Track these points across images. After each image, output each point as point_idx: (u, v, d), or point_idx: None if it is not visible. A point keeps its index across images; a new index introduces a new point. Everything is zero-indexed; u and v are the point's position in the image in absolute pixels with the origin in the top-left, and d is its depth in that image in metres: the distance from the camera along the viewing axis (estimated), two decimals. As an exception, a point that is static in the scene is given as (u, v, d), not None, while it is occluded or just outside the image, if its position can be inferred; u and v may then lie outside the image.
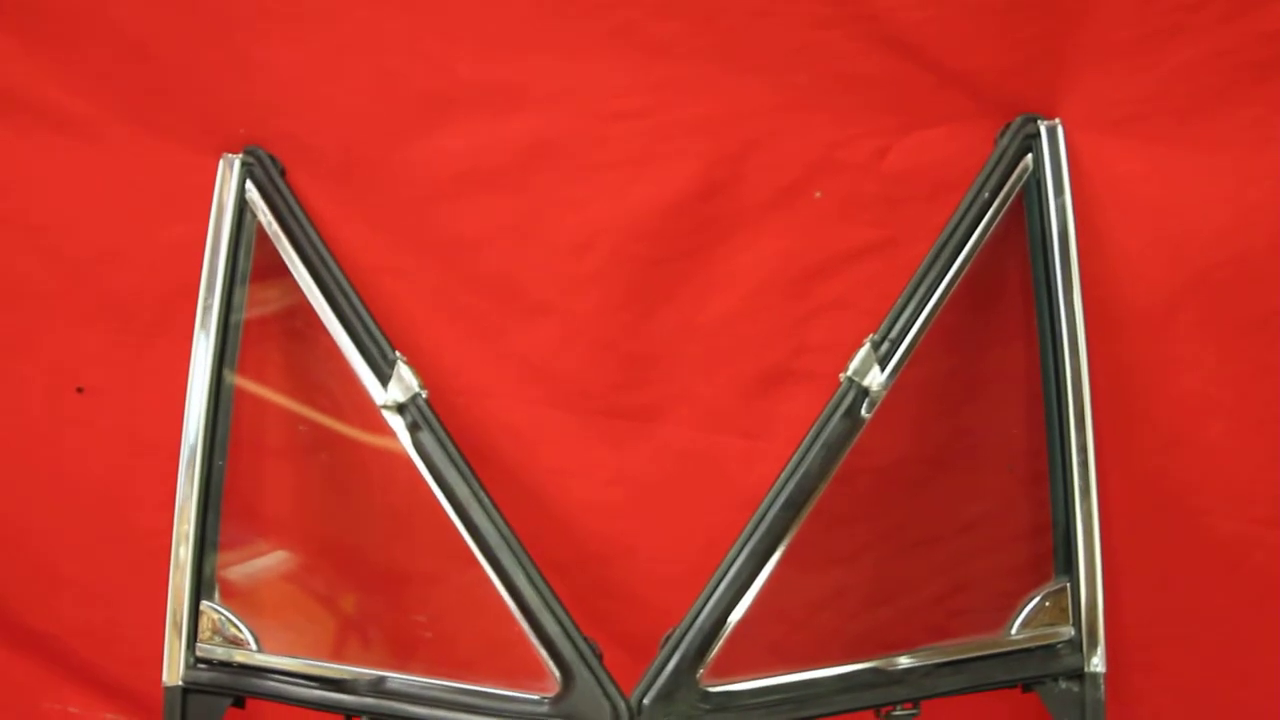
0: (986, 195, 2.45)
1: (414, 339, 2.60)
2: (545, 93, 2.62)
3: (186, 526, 2.47)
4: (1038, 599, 2.44)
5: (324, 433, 2.58)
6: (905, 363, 2.43)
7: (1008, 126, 2.50)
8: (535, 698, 2.42)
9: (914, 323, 2.43)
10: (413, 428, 2.44)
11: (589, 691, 2.38)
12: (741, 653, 2.40)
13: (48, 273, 2.69)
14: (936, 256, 2.44)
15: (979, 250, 2.46)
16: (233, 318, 2.53)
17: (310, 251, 2.52)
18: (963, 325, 2.49)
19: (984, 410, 2.52)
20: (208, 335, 2.50)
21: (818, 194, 2.57)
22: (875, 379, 2.39)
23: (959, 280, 2.44)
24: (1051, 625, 2.43)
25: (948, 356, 2.50)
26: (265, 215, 2.54)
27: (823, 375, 2.52)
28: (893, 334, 2.41)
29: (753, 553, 2.39)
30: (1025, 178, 2.47)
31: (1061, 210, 2.45)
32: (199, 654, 2.47)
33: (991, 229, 2.47)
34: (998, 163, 2.47)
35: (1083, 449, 2.42)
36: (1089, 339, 2.45)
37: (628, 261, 2.63)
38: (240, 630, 2.45)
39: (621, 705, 2.35)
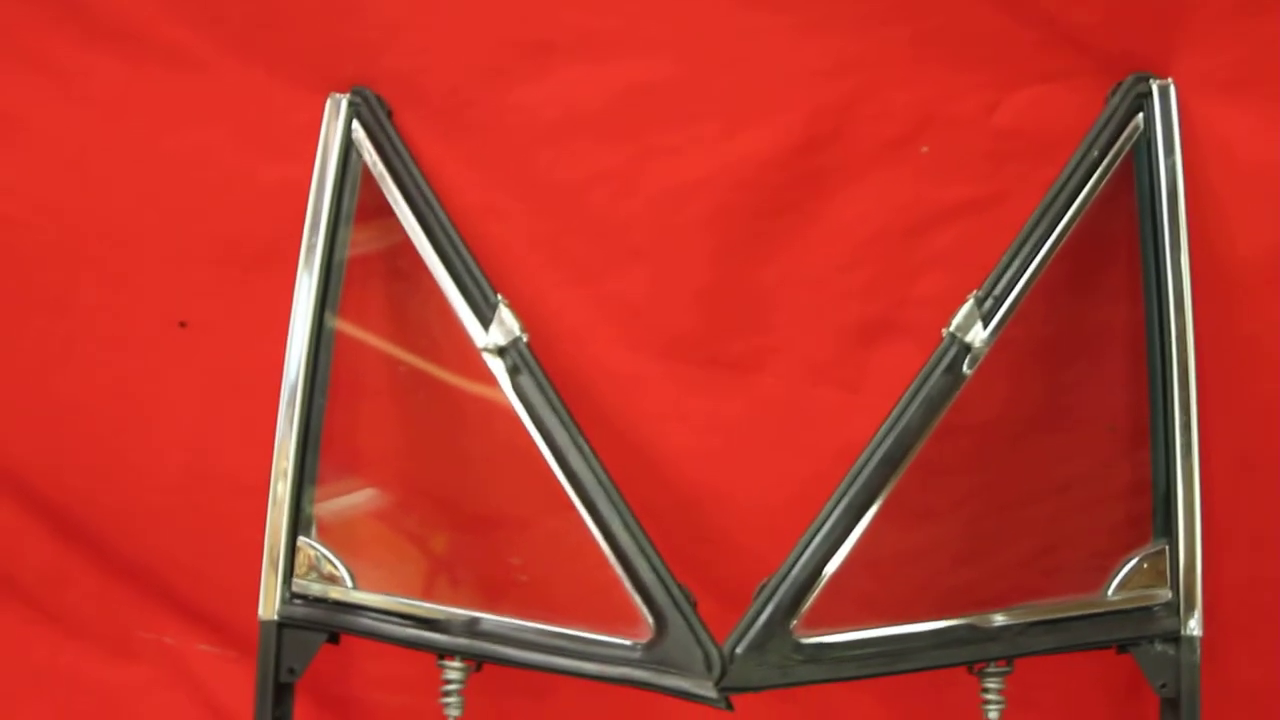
0: (1095, 154, 2.43)
1: (515, 282, 2.59)
2: (649, 40, 2.61)
3: (285, 463, 2.48)
4: (1135, 560, 2.43)
5: (423, 374, 2.58)
6: (1008, 320, 2.41)
7: (1119, 85, 2.48)
8: (628, 643, 2.42)
9: (1018, 280, 2.41)
10: (513, 371, 2.44)
11: (682, 639, 2.37)
12: (836, 605, 2.40)
13: (152, 207, 2.70)
14: (1043, 214, 2.42)
15: (1086, 209, 2.44)
16: (336, 257, 2.53)
17: (414, 192, 2.52)
18: (1067, 284, 2.47)
19: (1086, 369, 2.50)
20: (310, 274, 2.50)
21: (924, 149, 2.56)
22: (978, 335, 2.37)
23: (1065, 238, 2.43)
24: (1149, 587, 2.42)
25: (1051, 314, 2.48)
26: (370, 155, 2.54)
27: (924, 331, 2.50)
28: (996, 290, 2.40)
29: (849, 505, 2.38)
30: (1135, 137, 2.45)
31: (1171, 170, 2.43)
32: (295, 589, 2.49)
33: (1100, 188, 2.44)
34: (1108, 121, 2.45)
35: (1186, 410, 2.40)
36: (1195, 300, 2.40)
37: (729, 211, 2.63)
38: (336, 567, 2.46)
39: (714, 653, 2.35)
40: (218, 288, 2.72)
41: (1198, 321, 2.43)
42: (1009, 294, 2.41)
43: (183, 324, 2.73)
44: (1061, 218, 2.43)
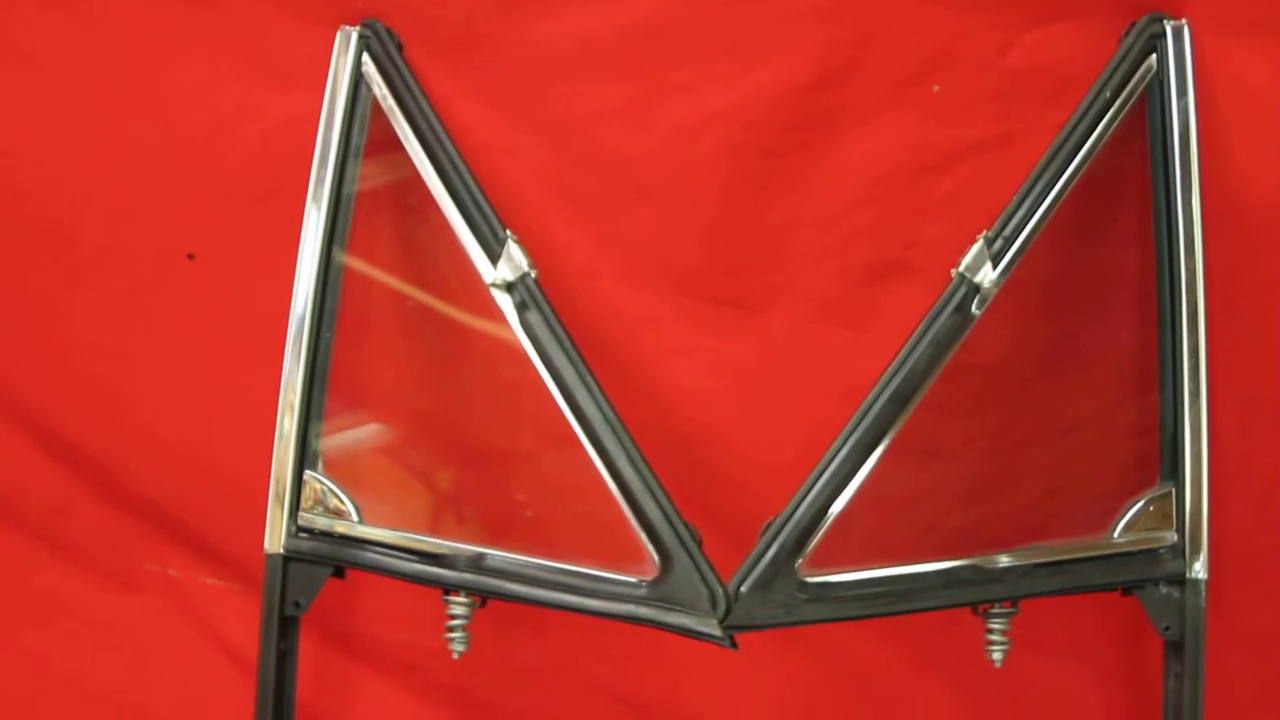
0: (1108, 95, 2.42)
1: (524, 218, 2.58)
2: (661, -25, 2.52)
3: (292, 397, 2.48)
4: (1142, 503, 2.42)
5: (430, 309, 2.57)
6: (1018, 261, 2.41)
7: (1132, 26, 2.47)
8: (633, 580, 2.41)
9: (1028, 221, 2.41)
10: (520, 307, 2.44)
11: (687, 576, 2.37)
12: (841, 545, 2.40)
13: (161, 140, 2.70)
14: (1054, 155, 2.42)
15: (1097, 150, 2.43)
16: (344, 191, 2.52)
17: (424, 127, 2.51)
18: (1077, 225, 2.46)
19: (1095, 311, 2.50)
20: (319, 208, 2.50)
21: (936, 88, 2.54)
22: (987, 276, 2.37)
23: (1076, 180, 2.42)
24: (1155, 530, 2.42)
25: (1061, 256, 2.48)
26: (380, 89, 2.54)
27: (933, 271, 2.49)
28: (1006, 231, 2.39)
29: (856, 445, 2.38)
30: (1148, 78, 2.45)
31: (1184, 112, 2.43)
32: (300, 523, 2.49)
33: (1111, 129, 2.44)
34: (1120, 62, 2.44)
35: (1194, 353, 2.40)
36: (1205, 243, 2.39)
37: (739, 148, 2.62)
38: (342, 501, 2.46)
39: (719, 591, 2.35)
40: (226, 221, 2.72)
41: (1207, 265, 2.43)
42: (1019, 235, 2.40)
43: (191, 256, 2.73)
44: (1073, 159, 2.42)
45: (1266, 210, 2.51)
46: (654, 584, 2.39)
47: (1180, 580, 2.42)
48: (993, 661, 2.46)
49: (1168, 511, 2.42)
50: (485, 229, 2.47)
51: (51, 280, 2.77)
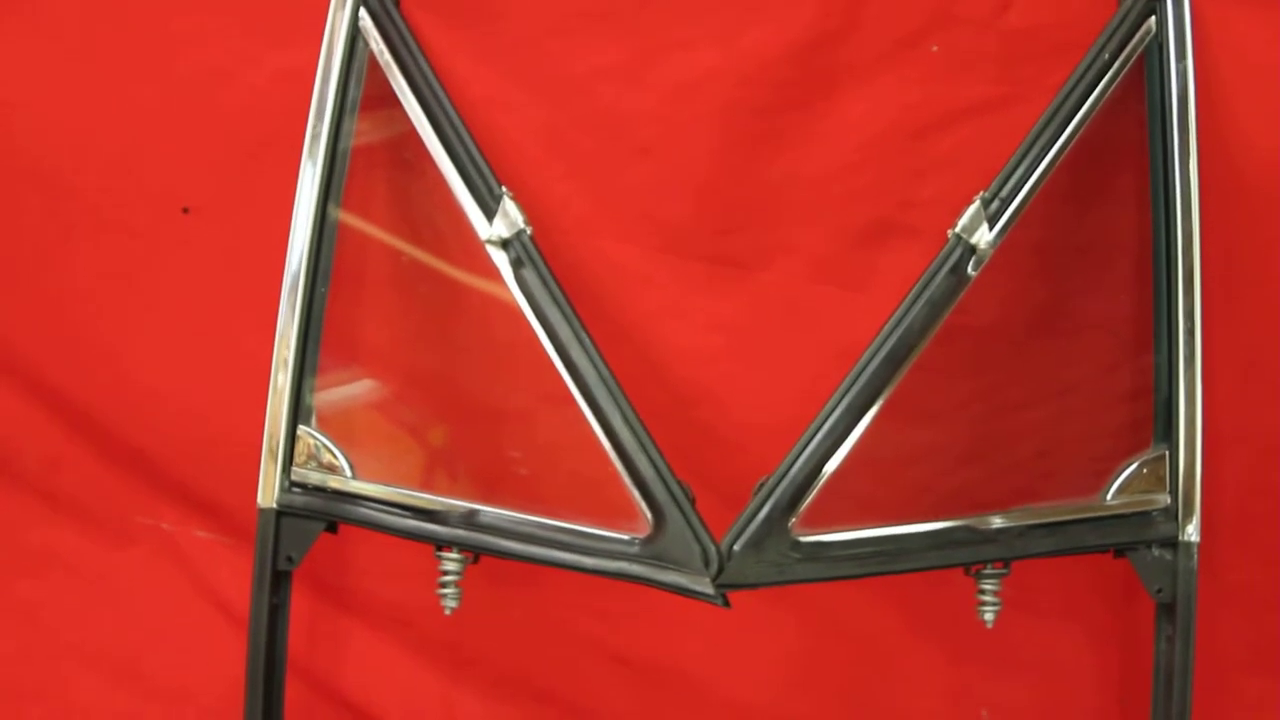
0: (1106, 57, 2.42)
1: (520, 175, 2.58)
2: (659, -69, 2.51)
3: (286, 352, 2.48)
4: (1135, 465, 2.43)
5: (425, 265, 2.56)
6: (1014, 222, 2.40)
7: (1132, -13, 2.42)
8: (626, 538, 2.42)
9: (1025, 182, 2.41)
10: (516, 264, 2.43)
11: (680, 535, 2.37)
12: (834, 504, 2.40)
13: (157, 92, 2.69)
14: (1052, 116, 2.42)
15: (1095, 112, 2.43)
16: (340, 146, 2.52)
17: (421, 83, 2.51)
18: (1075, 187, 2.46)
19: (1091, 274, 2.49)
20: (314, 163, 2.49)
21: (934, 48, 2.53)
22: (983, 237, 2.37)
23: (1073, 141, 2.41)
24: (1148, 492, 2.43)
25: (1058, 218, 2.47)
26: (377, 44, 2.53)
27: (929, 231, 2.49)
28: (1003, 193, 2.39)
29: (850, 405, 2.38)
30: (1147, 40, 2.44)
31: (1183, 75, 2.43)
32: (294, 478, 2.49)
33: (1110, 91, 2.44)
34: (1120, 24, 2.44)
35: (1190, 316, 2.40)
36: (1203, 206, 2.38)
37: (736, 107, 2.61)
38: (335, 457, 2.46)
39: (712, 550, 2.35)
40: (221, 175, 2.72)
41: (1204, 228, 2.42)
42: (1016, 196, 2.40)
43: (186, 210, 2.72)
44: (1070, 121, 2.42)
45: (1264, 174, 2.51)
46: (647, 542, 2.39)
47: (1173, 543, 2.42)
48: (984, 622, 2.46)
49: (1161, 474, 2.42)
50: (481, 185, 2.46)
51: (46, 233, 2.77)
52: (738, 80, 2.59)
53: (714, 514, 2.40)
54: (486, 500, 2.48)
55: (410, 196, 2.56)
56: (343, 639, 2.88)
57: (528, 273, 2.42)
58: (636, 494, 2.38)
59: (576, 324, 2.40)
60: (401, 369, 2.62)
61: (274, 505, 2.49)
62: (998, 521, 2.41)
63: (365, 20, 2.53)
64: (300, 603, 2.65)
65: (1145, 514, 2.42)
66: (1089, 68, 2.42)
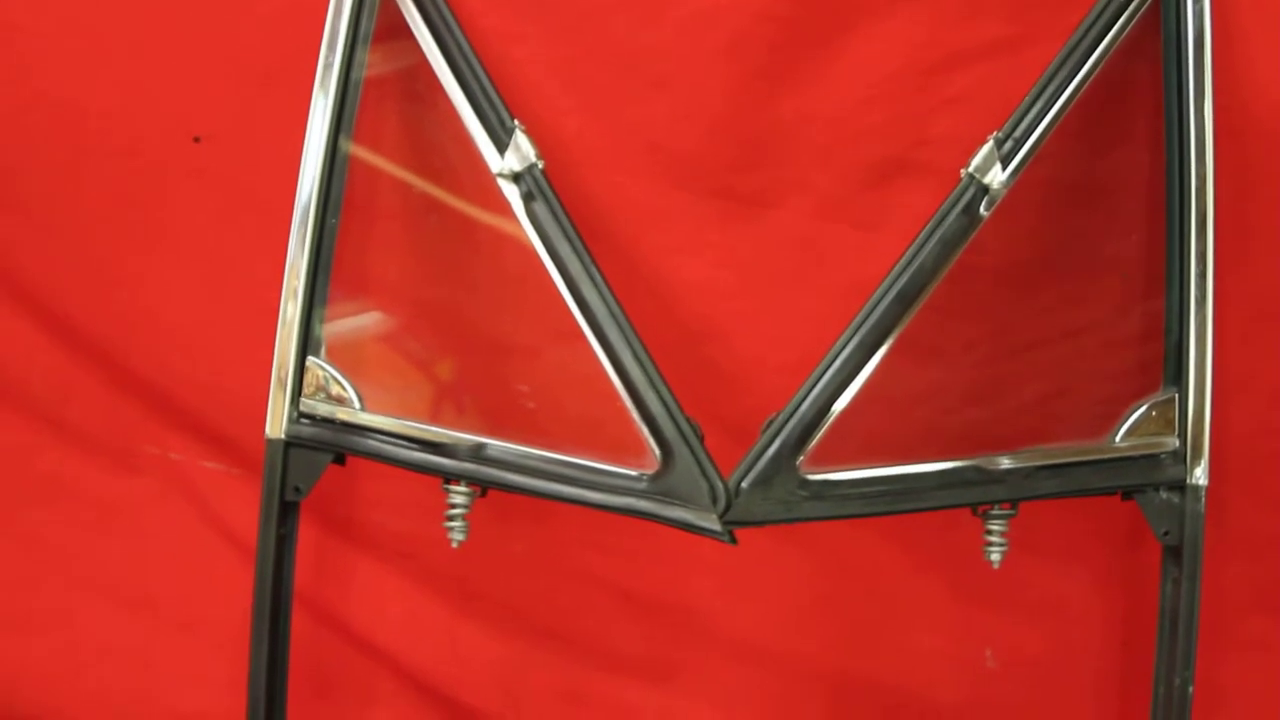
0: (1122, -4, 2.37)
1: (533, 108, 2.58)
2: None
3: (296, 283, 2.47)
4: (1144, 408, 2.43)
5: (436, 198, 2.56)
6: (1028, 162, 2.40)
7: (1149, -74, 2.41)
8: (634, 474, 2.42)
9: (1039, 122, 2.40)
10: (527, 197, 2.43)
11: (688, 471, 2.37)
12: (842, 443, 2.40)
13: (169, 18, 2.69)
14: (1067, 56, 2.41)
15: (1111, 53, 2.42)
16: (352, 77, 2.51)
17: (433, 13, 2.50)
18: (1089, 128, 2.45)
19: (1103, 215, 2.49)
20: (326, 94, 2.49)
21: (950, -15, 2.50)
22: (996, 177, 2.36)
23: (1088, 82, 2.40)
24: (1156, 435, 2.42)
25: (1071, 159, 2.46)
26: (390, -26, 2.48)
27: (942, 170, 2.48)
28: (1017, 133, 2.39)
29: (861, 343, 2.38)
30: (1163, -20, 2.39)
31: (1199, 15, 2.42)
32: (302, 409, 2.49)
33: (1125, 31, 2.43)
34: (1136, -36, 2.39)
35: (1202, 259, 2.40)
36: (1216, 148, 2.38)
37: (752, 42, 2.60)
38: (344, 388, 2.46)
39: (720, 486, 2.35)
40: (233, 104, 2.72)
41: (1218, 170, 2.41)
42: (1029, 136, 2.40)
43: (197, 139, 2.70)
44: (1085, 61, 2.41)
45: (1278, 116, 2.45)
46: (655, 478, 2.40)
47: (1180, 486, 2.43)
48: (991, 563, 2.46)
49: (1170, 417, 2.42)
50: (493, 118, 2.45)
51: (57, 161, 2.77)
52: (752, 16, 2.58)
53: (722, 451, 2.41)
54: (495, 434, 2.48)
55: (422, 129, 2.55)
56: (349, 571, 2.89)
57: (539, 206, 2.42)
58: (645, 430, 2.38)
59: (587, 259, 2.40)
60: (411, 302, 2.62)
61: (282, 436, 2.49)
62: (1006, 462, 2.41)
63: (379, -50, 2.48)
64: (307, 534, 2.66)
65: (1153, 457, 2.42)
66: (1104, 7, 2.43)
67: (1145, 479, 2.43)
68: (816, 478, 2.39)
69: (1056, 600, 2.79)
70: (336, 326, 2.51)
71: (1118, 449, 2.43)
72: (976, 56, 2.57)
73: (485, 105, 2.46)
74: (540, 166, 2.44)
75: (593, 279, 2.40)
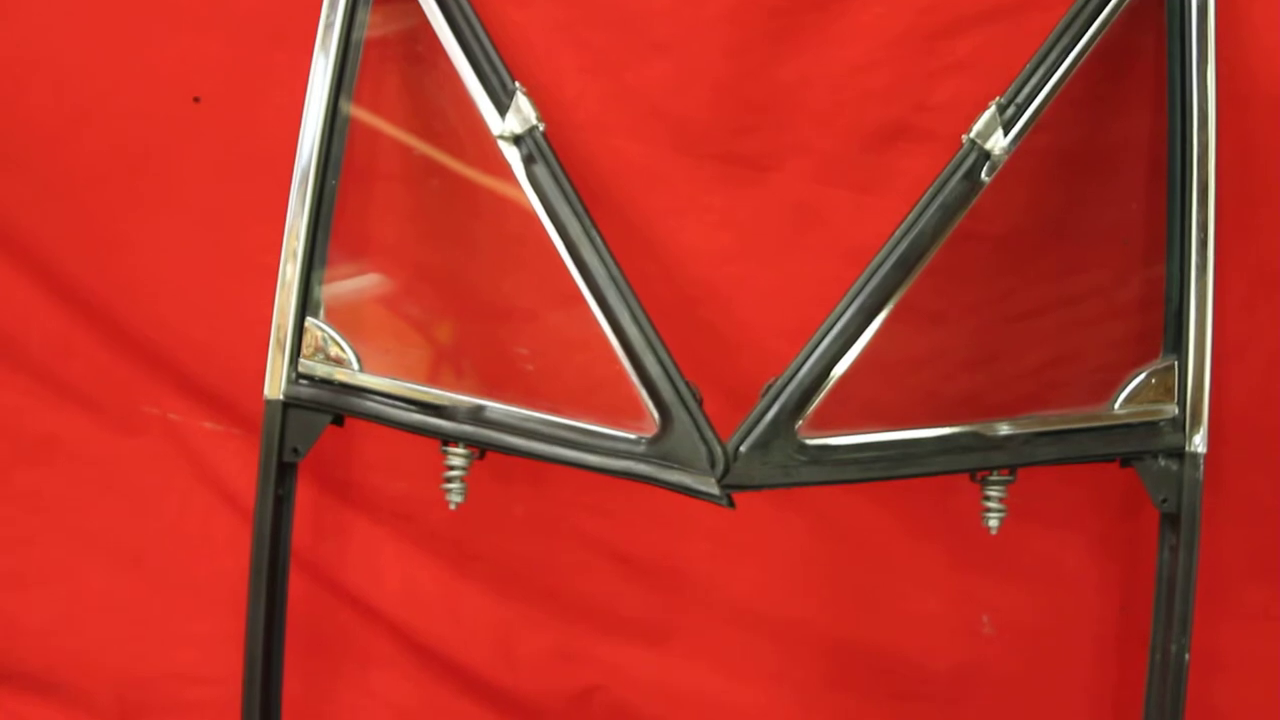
0: (1127, -38, 2.37)
1: (534, 71, 2.57)
2: None
3: (295, 244, 2.47)
4: (1144, 375, 2.43)
5: (437, 160, 2.55)
6: (1030, 128, 2.39)
7: (1153, -110, 2.40)
8: (632, 437, 2.41)
9: (1042, 88, 2.39)
10: (528, 160, 2.42)
11: (686, 435, 2.37)
12: (841, 408, 2.40)
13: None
14: (1070, 22, 2.41)
15: (1114, 19, 2.41)
16: (353, 38, 2.49)
17: (435, -26, 2.45)
18: (1091, 95, 2.45)
19: (1105, 182, 2.49)
20: (327, 55, 2.49)
21: (952, -50, 2.50)
22: (998, 143, 2.36)
23: (1091, 48, 2.39)
24: (1155, 402, 2.43)
25: (1073, 125, 2.46)
26: (392, -66, 2.47)
27: (944, 136, 2.48)
28: (1019, 99, 2.38)
29: (860, 308, 2.38)
30: (1167, -54, 2.39)
31: (1203, -18, 2.37)
32: (301, 370, 2.49)
33: (1129, -2, 2.37)
34: (1140, -71, 2.38)
35: (1203, 227, 2.39)
36: (1219, 116, 2.37)
37: (753, 5, 2.59)
38: (343, 349, 2.46)
39: (718, 450, 2.35)
40: (233, 64, 2.71)
41: (1220, 138, 2.40)
42: (1031, 102, 2.39)
43: (197, 99, 2.69)
44: (1089, 27, 2.41)
45: (1281, 84, 2.46)
46: (653, 441, 2.40)
47: (1179, 453, 2.43)
48: (989, 529, 2.46)
49: (1169, 384, 2.42)
50: (494, 80, 2.45)
51: (57, 120, 2.77)
52: (755, -22, 2.52)
53: (721, 415, 2.41)
54: (493, 396, 2.49)
55: (423, 90, 2.55)
56: (347, 532, 2.89)
57: (539, 169, 2.41)
58: (644, 393, 2.38)
59: (587, 221, 2.39)
60: (410, 264, 2.62)
61: (281, 397, 2.49)
62: (1005, 428, 2.41)
63: (380, -90, 2.47)
64: (305, 495, 2.66)
65: (1152, 424, 2.42)
66: (1109, -27, 2.36)
67: (1144, 446, 2.43)
68: (815, 442, 2.39)
69: (1054, 567, 2.80)
70: (335, 288, 2.51)
71: (1117, 416, 2.43)
72: (980, 21, 2.57)
73: (486, 67, 2.45)
74: (541, 129, 2.43)
75: (592, 241, 2.39)
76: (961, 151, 2.37)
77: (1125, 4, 2.39)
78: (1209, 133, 2.39)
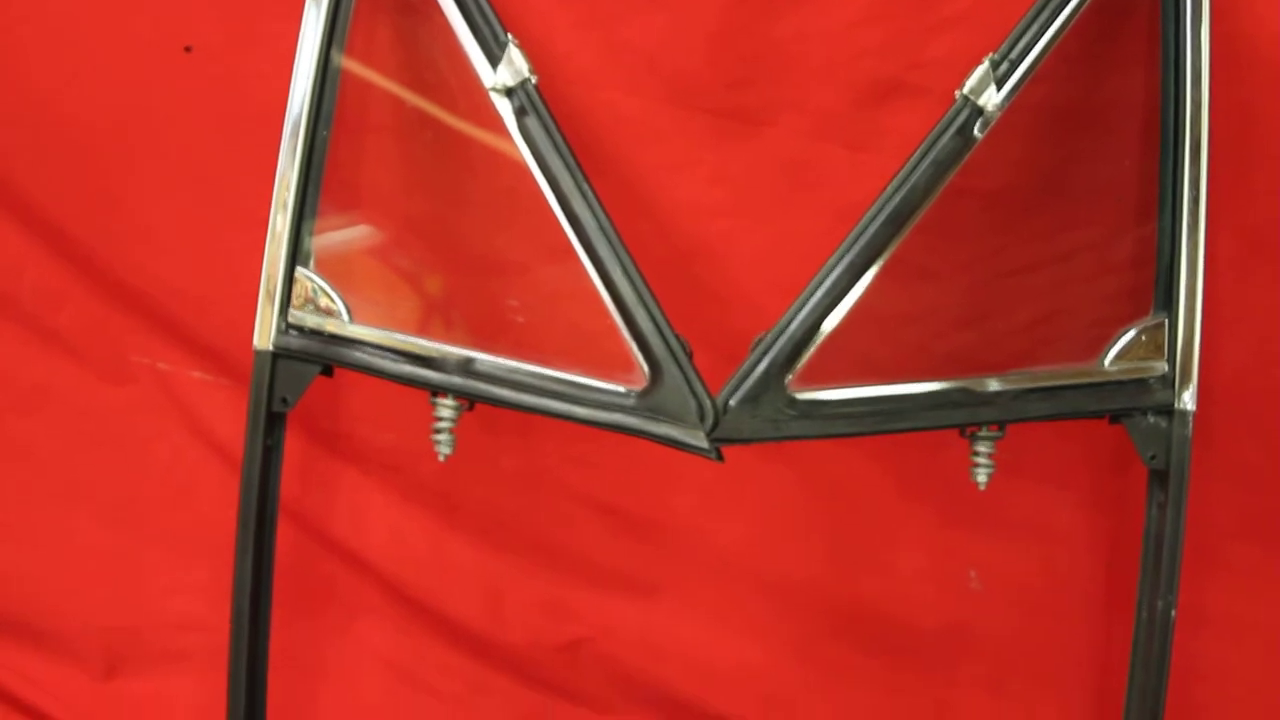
0: (1120, -82, 2.36)
1: (526, 23, 2.56)
2: None
3: (286, 195, 2.46)
4: (1134, 332, 2.43)
5: (429, 112, 2.54)
6: (1023, 85, 2.39)
7: None
8: (622, 390, 2.42)
9: (1035, 44, 2.39)
10: (519, 113, 2.42)
11: (676, 388, 2.38)
12: (832, 362, 2.40)
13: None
14: (1065, -22, 2.35)
15: (1109, -26, 2.36)
16: (345, -13, 2.45)
17: (428, -76, 2.43)
18: (1085, 51, 2.44)
19: (1098, 139, 2.49)
20: (319, 4, 2.47)
21: (947, -92, 2.49)
22: (991, 99, 2.35)
23: (1085, 4, 2.38)
24: (1146, 360, 2.43)
25: (1066, 82, 2.45)
26: (384, -117, 2.46)
27: (937, 92, 2.48)
28: (1013, 54, 2.38)
29: (851, 263, 2.38)
30: (1161, -97, 2.38)
31: (1197, -61, 2.36)
32: (291, 321, 2.48)
33: (1123, -46, 2.36)
34: (1135, -115, 2.37)
35: (1195, 184, 2.39)
36: (1213, 74, 2.37)
37: (749, -42, 2.52)
38: (333, 300, 2.45)
39: (708, 404, 2.35)
40: (225, 14, 2.70)
41: (1214, 96, 2.39)
42: (1025, 59, 2.39)
43: (188, 49, 2.69)
44: (1084, -17, 2.35)
45: (1277, 45, 2.44)
46: (643, 394, 2.40)
47: (1168, 410, 2.43)
48: (977, 485, 2.46)
49: (1159, 341, 2.42)
50: (486, 32, 2.44)
51: (47, 70, 2.76)
52: (750, -69, 2.51)
53: (711, 369, 2.41)
54: (483, 348, 2.48)
55: (415, 42, 2.54)
56: (335, 482, 2.90)
57: (531, 122, 2.41)
58: (634, 346, 2.38)
59: (579, 175, 2.39)
60: (401, 215, 2.61)
61: (270, 347, 2.49)
62: (995, 384, 2.42)
63: None
64: (294, 445, 2.67)
65: (1142, 381, 2.43)
66: (1103, -70, 2.36)
67: (1133, 403, 2.44)
68: (805, 397, 2.39)
69: (1042, 523, 2.81)
70: (326, 239, 2.51)
71: (1107, 373, 2.43)
72: (974, -24, 2.50)
73: (479, 19, 2.44)
74: (533, 81, 2.43)
75: (584, 195, 2.39)
76: (954, 107, 2.38)
77: (1120, -41, 2.35)
78: (1202, 90, 2.39)
